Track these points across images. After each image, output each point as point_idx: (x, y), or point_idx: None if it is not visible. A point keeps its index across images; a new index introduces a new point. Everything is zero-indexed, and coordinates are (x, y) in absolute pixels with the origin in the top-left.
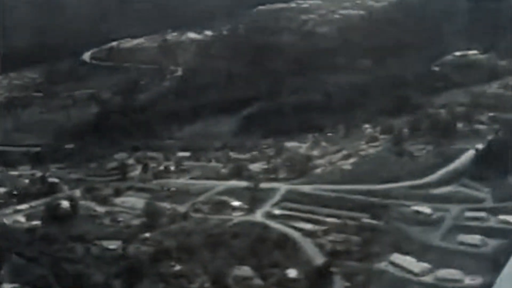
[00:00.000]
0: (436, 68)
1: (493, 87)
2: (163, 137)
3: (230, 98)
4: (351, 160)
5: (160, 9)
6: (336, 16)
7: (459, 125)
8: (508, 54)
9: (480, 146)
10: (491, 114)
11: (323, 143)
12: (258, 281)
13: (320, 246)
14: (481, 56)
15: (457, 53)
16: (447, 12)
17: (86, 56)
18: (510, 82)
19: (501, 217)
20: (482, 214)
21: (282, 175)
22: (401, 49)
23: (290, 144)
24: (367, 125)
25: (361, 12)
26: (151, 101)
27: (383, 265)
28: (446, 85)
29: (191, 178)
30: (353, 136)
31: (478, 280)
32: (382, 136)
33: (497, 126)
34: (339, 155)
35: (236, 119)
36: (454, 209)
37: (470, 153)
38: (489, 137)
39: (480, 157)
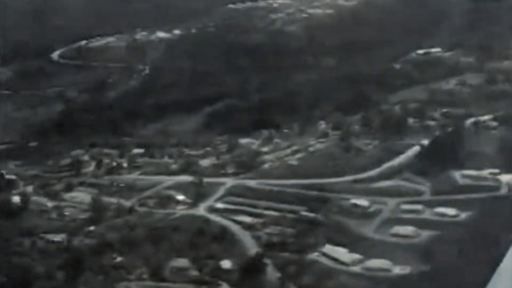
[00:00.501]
0: (398, 66)
1: (451, 84)
2: (122, 134)
3: (195, 96)
4: (298, 156)
5: (131, 8)
6: (304, 15)
7: (411, 121)
8: (473, 51)
9: (426, 141)
10: (444, 110)
11: (277, 140)
12: (193, 272)
13: (257, 238)
14: (444, 54)
15: (420, 51)
16: (416, 11)
17: (55, 55)
18: (467, 79)
19: (437, 209)
20: (418, 206)
21: (230, 170)
22: (367, 47)
23: (244, 141)
24: (322, 122)
25: (329, 11)
26: (117, 99)
27: (315, 255)
28: (405, 82)
29: (142, 174)
30: (307, 133)
31: (407, 269)
32: (333, 132)
33: (448, 121)
34: (288, 150)
35: (199, 116)
36: (392, 202)
37: (416, 148)
38: (436, 133)
39: (424, 152)
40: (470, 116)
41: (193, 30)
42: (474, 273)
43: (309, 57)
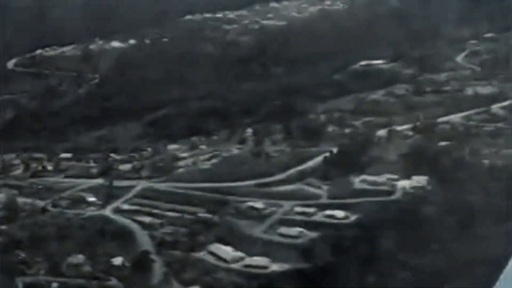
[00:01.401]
0: (337, 77)
1: (378, 94)
2: (57, 140)
3: (140, 105)
4: (213, 161)
5: (91, 17)
6: (257, 26)
7: (330, 129)
8: (414, 63)
9: (335, 148)
10: (366, 119)
11: (203, 146)
12: (87, 268)
13: (153, 237)
14: (385, 65)
15: (363, 63)
16: (367, 24)
17: (11, 63)
18: (395, 89)
19: (327, 212)
20: (311, 209)
21: (145, 174)
22: (315, 58)
23: (171, 147)
24: (249, 129)
25: (282, 22)
26: (64, 107)
27: (201, 254)
28: (338, 92)
29: (65, 177)
30: (233, 139)
31: (284, 267)
32: (252, 139)
33: (366, 130)
34: (206, 156)
35: (139, 124)
36: (288, 204)
37: (326, 155)
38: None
39: (331, 158)
40: (390, 125)
41: (147, 40)
42: (347, 270)
43: (258, 67)
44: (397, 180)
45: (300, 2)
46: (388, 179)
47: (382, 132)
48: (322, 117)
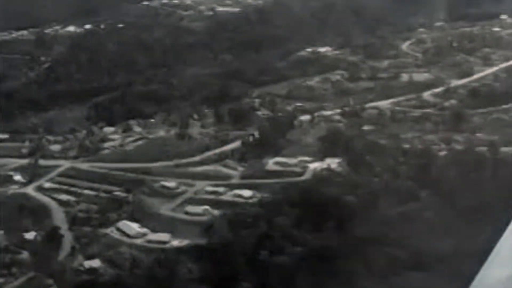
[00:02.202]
0: (282, 63)
1: (314, 80)
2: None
3: (88, 88)
4: (138, 143)
5: (50, 2)
6: (210, 12)
7: (260, 113)
8: (360, 50)
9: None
10: (298, 104)
11: (137, 128)
12: (4, 242)
13: (68, 214)
14: (331, 53)
15: (309, 49)
16: (322, 11)
17: None
18: (332, 76)
19: (236, 191)
20: (221, 189)
21: (72, 154)
22: (264, 44)
23: (107, 129)
24: (183, 112)
25: (236, 9)
26: (14, 90)
27: (109, 230)
28: (278, 78)
29: None
30: (167, 122)
31: (184, 242)
32: (183, 121)
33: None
34: (133, 138)
35: (85, 107)
36: (200, 184)
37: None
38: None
39: (250, 141)
40: (319, 109)
41: (102, 26)
42: (241, 246)
43: (207, 53)
44: (310, 162)
45: None
46: (301, 161)
47: (306, 116)
48: (256, 102)
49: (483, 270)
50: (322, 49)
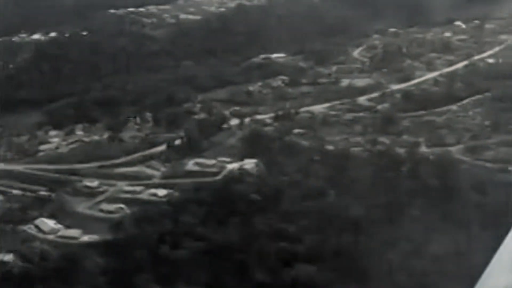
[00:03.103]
0: (232, 69)
1: (256, 85)
2: None
3: (47, 95)
4: (73, 145)
5: (19, 11)
6: (173, 20)
7: (196, 117)
8: (313, 56)
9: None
10: (235, 108)
11: (79, 132)
12: None
13: None
14: (283, 59)
15: (263, 56)
16: (283, 19)
17: None
18: (273, 81)
19: (152, 190)
20: (139, 188)
21: (10, 156)
22: (222, 51)
23: (52, 133)
24: (131, 117)
25: (197, 17)
26: None
27: (27, 227)
28: (225, 83)
29: None
30: (107, 126)
31: (93, 237)
32: (124, 126)
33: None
34: (69, 141)
35: (40, 112)
36: (121, 184)
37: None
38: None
39: (176, 143)
40: (254, 113)
41: (66, 34)
42: (145, 241)
43: (167, 59)
44: (228, 163)
45: None
46: (219, 161)
47: (237, 120)
48: (197, 106)
49: (483, 279)
50: (275, 56)
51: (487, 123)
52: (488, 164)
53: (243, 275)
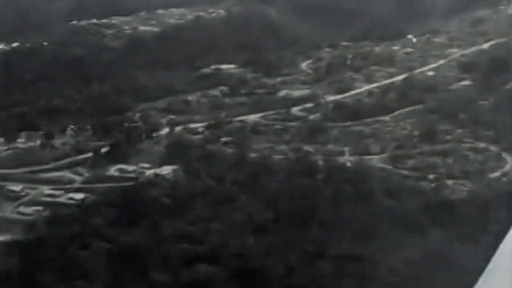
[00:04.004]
0: (179, 79)
1: (196, 95)
2: None
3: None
4: (8, 152)
5: None
6: (130, 31)
7: (133, 125)
8: (263, 67)
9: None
10: (172, 117)
11: (20, 140)
12: None
13: None
14: (232, 70)
15: (213, 67)
16: (239, 31)
17: None
18: (212, 91)
19: (70, 194)
20: (59, 192)
21: None
22: (177, 62)
23: None
24: (72, 126)
25: (155, 28)
26: None
27: None
28: (167, 93)
29: None
30: (46, 135)
31: (6, 237)
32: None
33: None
34: (7, 148)
35: None
36: (43, 188)
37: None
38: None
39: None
40: (189, 122)
41: (27, 45)
42: (55, 243)
43: (122, 69)
44: (148, 168)
45: (187, 9)
46: (140, 167)
47: (168, 128)
48: (137, 115)
49: (481, 280)
50: (225, 66)
51: (415, 133)
52: (406, 172)
53: (143, 274)
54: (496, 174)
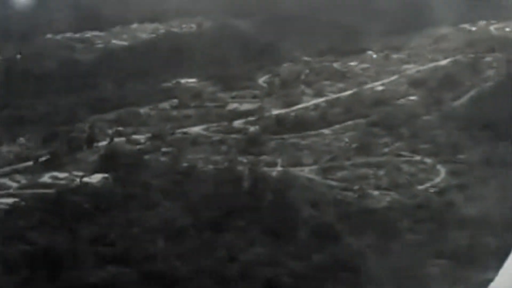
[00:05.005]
0: (139, 92)
1: (146, 108)
2: None
3: None
4: None
5: None
6: (101, 45)
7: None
8: (223, 82)
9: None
10: (119, 128)
11: None
12: None
13: None
14: (192, 84)
15: (174, 81)
16: (207, 45)
17: None
18: (162, 104)
19: (2, 200)
20: None
21: None
22: (142, 75)
23: None
24: (24, 135)
25: (125, 42)
26: None
27: None
28: (120, 105)
29: None
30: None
31: None
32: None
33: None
34: None
35: None
36: None
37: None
38: None
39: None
40: (134, 133)
41: (0, 57)
42: None
43: (87, 82)
44: (80, 176)
45: (162, 24)
46: (73, 175)
47: (115, 138)
48: (86, 126)
49: None
50: (186, 80)
51: (353, 146)
52: (334, 183)
53: (55, 275)
54: (426, 185)
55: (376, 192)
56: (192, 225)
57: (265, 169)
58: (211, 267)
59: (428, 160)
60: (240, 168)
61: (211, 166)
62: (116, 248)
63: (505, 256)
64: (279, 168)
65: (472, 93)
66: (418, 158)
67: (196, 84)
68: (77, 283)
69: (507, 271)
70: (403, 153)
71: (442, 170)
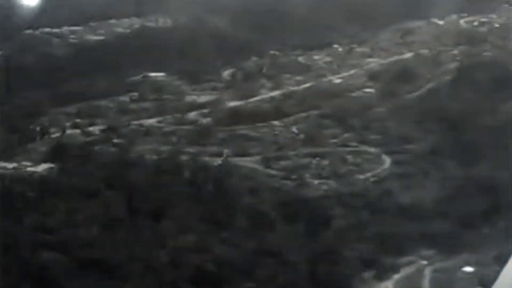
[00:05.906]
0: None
1: (106, 100)
2: None
3: None
4: None
5: None
6: (77, 40)
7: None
8: (189, 76)
9: None
10: (77, 120)
11: None
12: None
13: None
14: (160, 78)
15: (142, 74)
16: (180, 40)
17: None
18: (122, 97)
19: None
20: None
21: None
22: (114, 69)
23: None
24: None
25: (102, 37)
26: None
27: None
28: (86, 98)
29: None
30: None
31: None
32: None
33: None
34: None
35: None
36: None
37: None
38: None
39: None
40: (92, 125)
41: None
42: None
43: (56, 77)
44: (28, 166)
45: (139, 19)
46: (21, 165)
47: (69, 131)
48: (46, 118)
49: None
50: (154, 74)
51: (301, 137)
52: (274, 172)
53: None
54: (367, 175)
55: (316, 182)
56: (130, 213)
57: (208, 159)
58: (142, 254)
59: (373, 150)
60: (183, 158)
61: (155, 157)
62: (54, 235)
63: (428, 243)
64: (222, 158)
65: (430, 85)
66: (364, 148)
67: (164, 78)
68: (15, 269)
69: (507, 273)
70: (350, 143)
71: (388, 160)
